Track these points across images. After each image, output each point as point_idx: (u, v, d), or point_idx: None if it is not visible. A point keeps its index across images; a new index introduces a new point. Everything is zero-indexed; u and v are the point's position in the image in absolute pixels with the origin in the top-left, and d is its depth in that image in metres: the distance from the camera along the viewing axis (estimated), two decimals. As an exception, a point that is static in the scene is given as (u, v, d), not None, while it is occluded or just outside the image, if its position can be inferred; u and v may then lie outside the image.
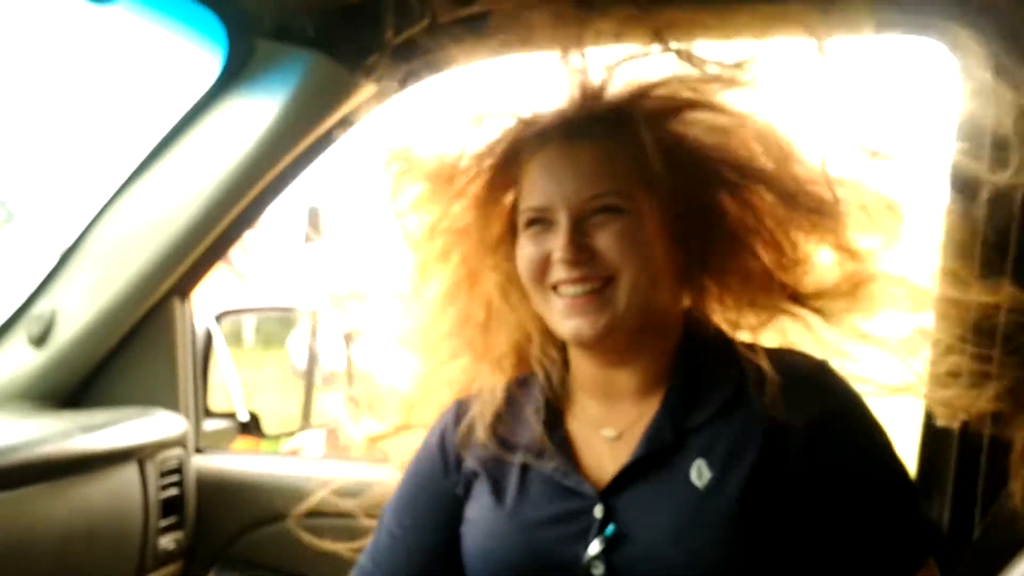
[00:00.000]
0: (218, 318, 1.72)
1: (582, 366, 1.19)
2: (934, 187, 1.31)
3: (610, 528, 1.08)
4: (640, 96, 1.17)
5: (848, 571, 1.09)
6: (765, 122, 1.17)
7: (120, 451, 1.37)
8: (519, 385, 1.26)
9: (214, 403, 1.72)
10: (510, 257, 1.22)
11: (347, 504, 1.51)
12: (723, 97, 1.17)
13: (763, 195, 1.18)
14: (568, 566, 1.08)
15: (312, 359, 1.94)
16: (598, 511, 1.09)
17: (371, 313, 1.39)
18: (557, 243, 1.09)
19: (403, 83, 1.41)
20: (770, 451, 1.07)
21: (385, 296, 1.37)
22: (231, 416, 1.74)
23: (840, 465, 1.09)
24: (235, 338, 1.77)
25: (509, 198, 1.22)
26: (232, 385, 1.73)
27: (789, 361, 1.13)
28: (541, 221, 1.12)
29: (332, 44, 1.33)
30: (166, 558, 1.51)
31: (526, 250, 1.13)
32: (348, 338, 1.90)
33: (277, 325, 1.94)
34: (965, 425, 1.29)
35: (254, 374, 1.81)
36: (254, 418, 1.76)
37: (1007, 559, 1.11)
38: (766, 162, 1.17)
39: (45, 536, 1.24)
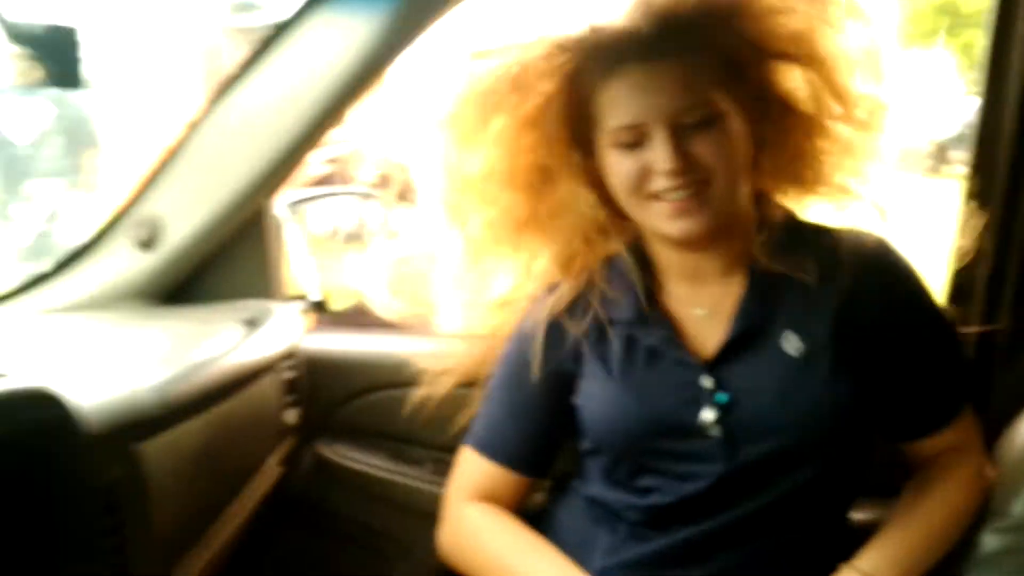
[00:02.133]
0: (290, 207, 1.82)
1: (667, 253, 1.33)
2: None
3: (723, 396, 1.25)
4: (723, 12, 1.26)
5: (913, 415, 1.32)
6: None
7: (277, 357, 1.49)
8: (605, 270, 1.39)
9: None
10: (575, 164, 1.34)
11: (436, 375, 1.68)
12: None
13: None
14: (685, 429, 1.26)
15: (359, 234, 2.05)
16: (706, 381, 1.26)
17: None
18: (658, 156, 1.21)
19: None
20: (850, 318, 1.26)
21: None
22: (303, 298, 1.86)
23: (908, 325, 1.30)
24: (302, 223, 1.87)
25: (565, 111, 1.31)
26: (304, 268, 1.84)
27: (856, 238, 1.31)
28: (634, 138, 1.23)
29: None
30: (287, 432, 1.67)
31: (623, 165, 1.24)
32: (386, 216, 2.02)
33: (338, 207, 2.04)
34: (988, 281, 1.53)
35: (317, 256, 1.91)
36: (324, 296, 1.89)
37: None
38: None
39: (199, 443, 1.34)
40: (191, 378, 1.16)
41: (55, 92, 5.44)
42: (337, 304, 1.91)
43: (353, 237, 2.10)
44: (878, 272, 1.29)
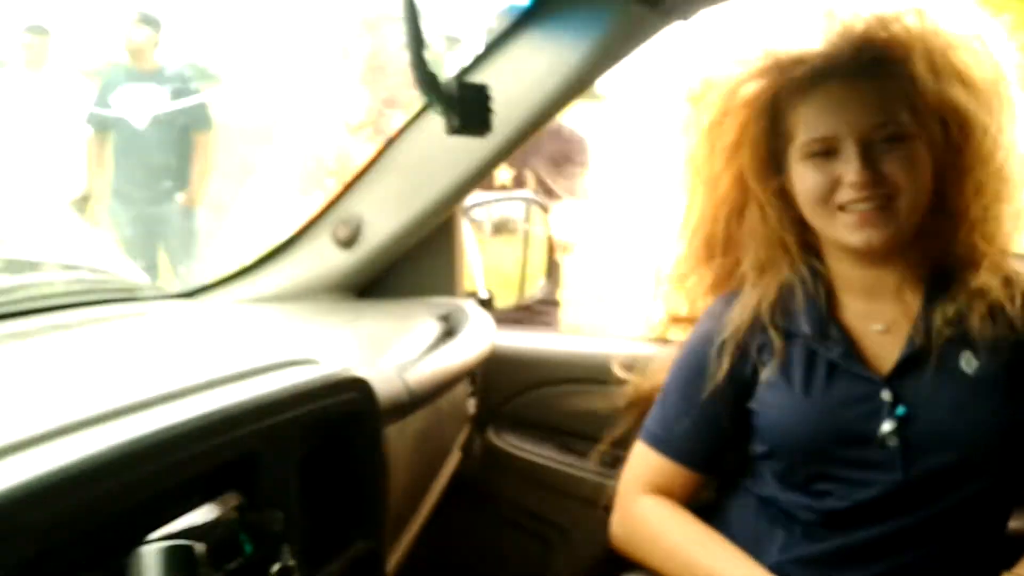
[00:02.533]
0: (465, 210, 1.94)
1: (846, 268, 1.41)
2: None
3: (902, 409, 1.33)
4: (914, 41, 1.35)
5: None
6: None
7: (484, 354, 1.62)
8: (785, 284, 1.46)
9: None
10: (766, 180, 1.43)
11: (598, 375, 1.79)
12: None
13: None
14: (864, 439, 1.34)
15: (527, 240, 2.17)
16: (886, 394, 1.34)
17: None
18: (848, 168, 1.30)
19: (685, 15, 1.59)
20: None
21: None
22: (473, 295, 1.98)
23: None
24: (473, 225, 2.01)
25: (762, 129, 1.42)
26: (475, 268, 1.97)
27: None
28: (825, 151, 1.33)
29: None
30: (467, 420, 1.80)
31: (812, 176, 1.34)
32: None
33: (508, 212, 2.17)
34: None
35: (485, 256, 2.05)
36: (490, 294, 2.02)
37: None
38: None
39: (418, 430, 1.46)
40: (429, 370, 1.28)
41: (174, 77, 5.66)
42: (501, 301, 2.04)
43: (500, 227, 2.21)
44: None
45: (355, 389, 1.00)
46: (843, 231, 1.34)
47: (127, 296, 1.69)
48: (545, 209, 2.17)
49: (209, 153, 5.85)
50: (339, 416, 0.99)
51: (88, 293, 1.64)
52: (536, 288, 2.19)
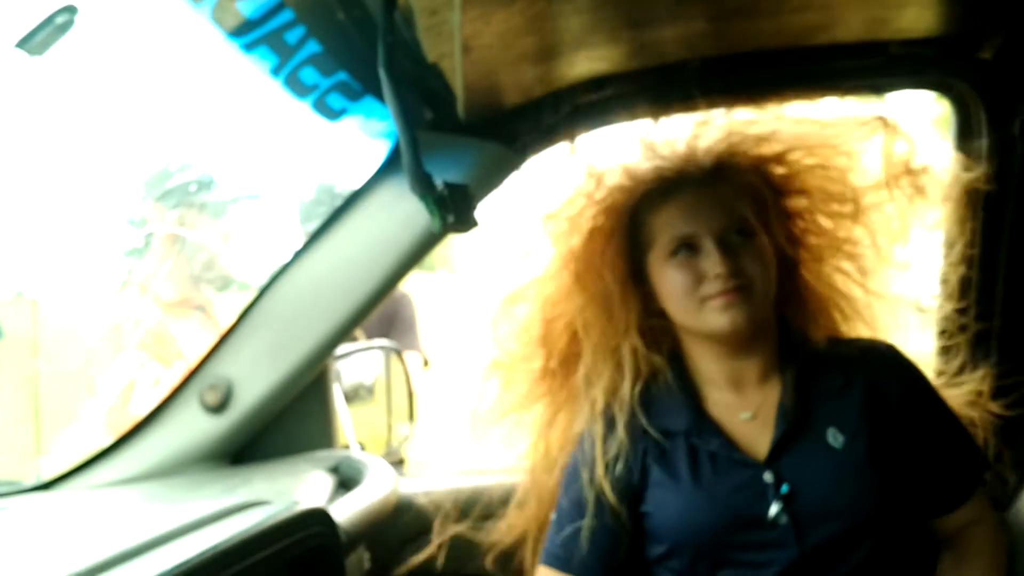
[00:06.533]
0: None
1: (709, 363, 1.52)
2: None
3: (785, 487, 1.42)
4: (734, 154, 1.54)
5: (939, 491, 1.49)
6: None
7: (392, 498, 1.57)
8: (652, 386, 1.57)
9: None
10: (629, 287, 1.56)
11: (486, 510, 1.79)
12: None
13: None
14: (757, 522, 1.42)
15: (389, 390, 2.16)
16: (768, 476, 1.43)
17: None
18: (710, 262, 1.43)
19: (536, 150, 1.70)
20: (878, 410, 1.46)
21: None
22: (346, 447, 1.94)
23: (922, 414, 1.50)
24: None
25: (620, 244, 1.55)
26: (345, 420, 1.94)
27: (870, 344, 1.55)
28: (687, 248, 1.45)
29: (493, 132, 1.60)
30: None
31: (677, 273, 1.46)
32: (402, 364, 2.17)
33: (359, 376, 2.14)
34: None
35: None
36: (361, 446, 1.99)
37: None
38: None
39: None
40: (359, 507, 1.25)
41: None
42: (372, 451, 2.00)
43: (352, 395, 2.19)
44: (892, 371, 1.51)
45: (321, 522, 0.97)
46: (711, 317, 1.44)
47: (-23, 495, 1.55)
48: (401, 356, 2.18)
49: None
50: (306, 551, 0.95)
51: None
52: (402, 437, 2.17)
